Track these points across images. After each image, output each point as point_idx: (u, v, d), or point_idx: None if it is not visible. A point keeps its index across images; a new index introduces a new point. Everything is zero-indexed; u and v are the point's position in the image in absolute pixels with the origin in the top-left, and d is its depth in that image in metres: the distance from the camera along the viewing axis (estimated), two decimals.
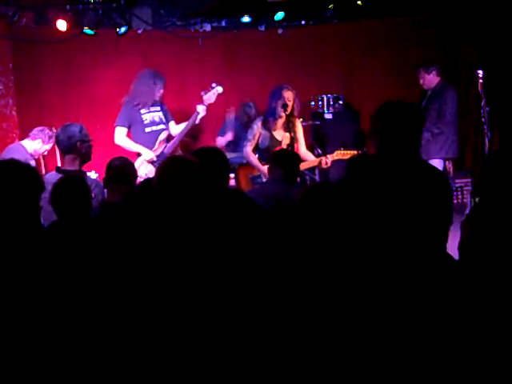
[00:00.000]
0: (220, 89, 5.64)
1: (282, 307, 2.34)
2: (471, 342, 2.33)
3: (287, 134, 5.29)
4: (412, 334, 2.33)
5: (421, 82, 6.19)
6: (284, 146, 5.35)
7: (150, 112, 5.64)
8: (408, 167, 2.75)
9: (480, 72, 5.69)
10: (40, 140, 5.81)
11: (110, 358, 2.32)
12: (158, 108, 5.71)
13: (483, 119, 5.76)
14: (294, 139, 5.23)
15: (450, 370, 2.30)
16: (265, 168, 5.30)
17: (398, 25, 7.69)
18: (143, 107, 5.60)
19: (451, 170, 6.73)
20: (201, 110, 5.58)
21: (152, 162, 5.55)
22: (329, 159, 5.34)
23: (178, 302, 2.36)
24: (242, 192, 4.12)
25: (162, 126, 5.67)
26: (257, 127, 5.45)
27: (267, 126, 5.41)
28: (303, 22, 7.75)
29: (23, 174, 2.52)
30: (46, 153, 5.95)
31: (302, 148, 5.51)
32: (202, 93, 5.66)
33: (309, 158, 5.50)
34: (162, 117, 5.71)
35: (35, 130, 5.87)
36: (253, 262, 2.52)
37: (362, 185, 2.73)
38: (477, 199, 3.14)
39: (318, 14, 7.69)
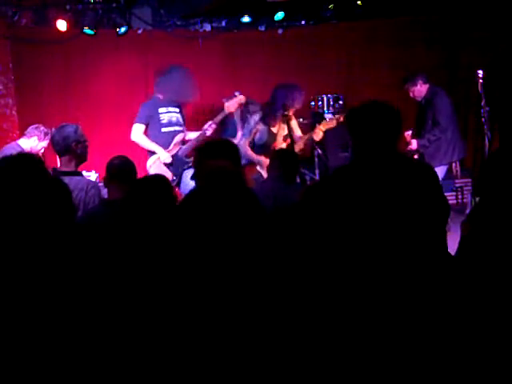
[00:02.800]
0: (243, 98, 5.62)
1: (281, 306, 2.34)
2: (470, 342, 2.33)
3: (284, 126, 5.29)
4: (411, 333, 2.33)
5: (411, 95, 6.03)
6: (280, 139, 5.34)
7: (169, 112, 5.63)
8: (387, 165, 2.75)
9: (480, 72, 5.67)
10: (36, 137, 5.80)
11: (111, 358, 2.31)
12: (177, 109, 5.69)
13: (483, 119, 5.75)
14: (290, 130, 5.22)
15: (449, 369, 2.30)
16: (262, 158, 5.29)
17: (397, 25, 7.70)
18: (186, 100, 5.68)
19: (459, 172, 6.70)
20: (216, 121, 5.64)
21: (166, 164, 5.51)
22: (319, 131, 5.30)
23: (178, 302, 2.36)
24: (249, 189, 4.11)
25: (178, 128, 5.64)
26: (254, 122, 5.41)
27: (266, 121, 5.39)
28: (303, 22, 7.77)
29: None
30: (42, 150, 5.92)
31: (297, 134, 5.51)
32: (224, 100, 5.64)
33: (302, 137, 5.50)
34: (180, 118, 5.69)
35: (30, 128, 5.87)
36: (253, 262, 2.52)
37: (343, 192, 2.72)
38: (477, 199, 3.14)
39: (317, 14, 7.70)
